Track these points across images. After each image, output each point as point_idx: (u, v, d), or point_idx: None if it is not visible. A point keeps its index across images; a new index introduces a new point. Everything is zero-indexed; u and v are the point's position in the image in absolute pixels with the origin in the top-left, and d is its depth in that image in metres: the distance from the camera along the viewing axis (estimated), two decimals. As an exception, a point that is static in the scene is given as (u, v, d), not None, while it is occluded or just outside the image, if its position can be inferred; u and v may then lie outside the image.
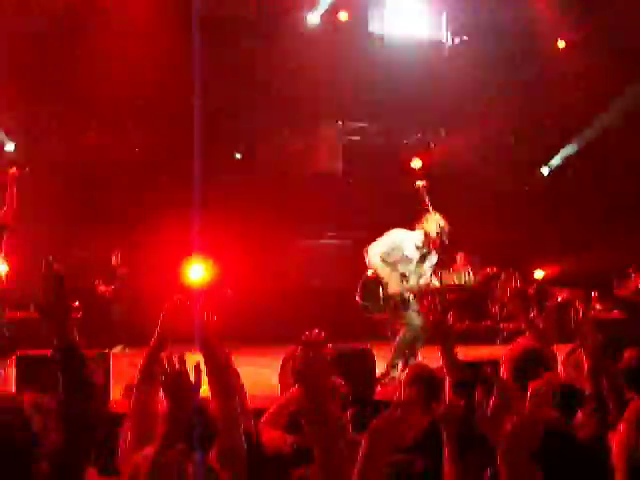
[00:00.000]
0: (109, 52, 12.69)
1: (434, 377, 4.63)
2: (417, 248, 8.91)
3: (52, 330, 2.94)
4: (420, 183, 9.77)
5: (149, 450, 2.77)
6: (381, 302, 8.84)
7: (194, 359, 2.88)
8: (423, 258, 9.02)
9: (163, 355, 2.90)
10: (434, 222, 8.87)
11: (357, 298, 8.99)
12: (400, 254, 8.90)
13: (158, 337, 3.68)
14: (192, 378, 2.79)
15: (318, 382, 2.66)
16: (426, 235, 8.86)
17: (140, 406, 3.47)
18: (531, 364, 4.53)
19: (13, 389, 6.73)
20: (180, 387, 2.77)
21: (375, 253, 8.81)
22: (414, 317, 8.65)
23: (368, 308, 9.02)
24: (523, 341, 5.08)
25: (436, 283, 9.18)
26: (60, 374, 2.98)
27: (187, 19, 11.65)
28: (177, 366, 2.79)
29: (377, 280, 8.83)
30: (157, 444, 2.74)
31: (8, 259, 10.25)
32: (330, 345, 2.97)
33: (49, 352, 3.20)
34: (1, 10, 12.50)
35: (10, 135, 13.85)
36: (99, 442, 3.31)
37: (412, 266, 8.91)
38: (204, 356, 3.61)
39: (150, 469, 2.68)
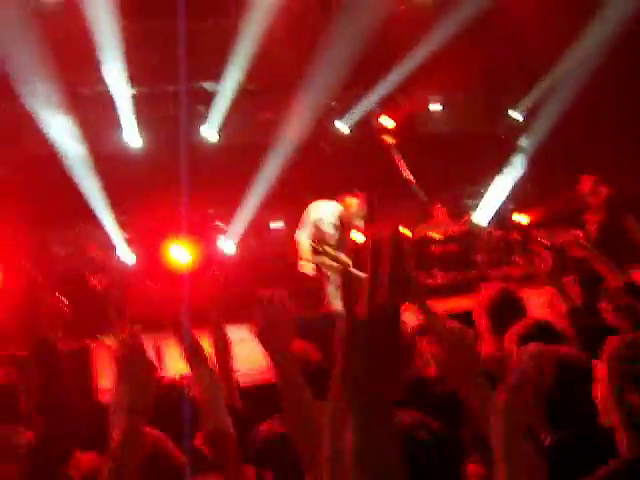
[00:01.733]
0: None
1: None
2: (335, 227, 9.34)
3: (25, 328, 2.94)
4: (389, 139, 9.90)
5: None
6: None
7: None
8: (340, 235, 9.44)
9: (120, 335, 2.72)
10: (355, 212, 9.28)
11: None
12: (320, 234, 9.35)
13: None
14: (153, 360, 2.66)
15: (281, 345, 2.61)
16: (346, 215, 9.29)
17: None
18: (506, 307, 4.59)
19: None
20: (139, 367, 2.59)
21: (304, 241, 9.26)
22: (335, 278, 9.53)
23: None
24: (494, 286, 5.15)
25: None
26: (37, 369, 2.99)
27: None
28: (135, 342, 2.62)
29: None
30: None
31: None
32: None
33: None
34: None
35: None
36: (91, 432, 3.31)
37: (332, 241, 9.36)
38: (178, 337, 3.62)
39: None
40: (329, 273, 9.66)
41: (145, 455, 2.58)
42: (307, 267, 9.61)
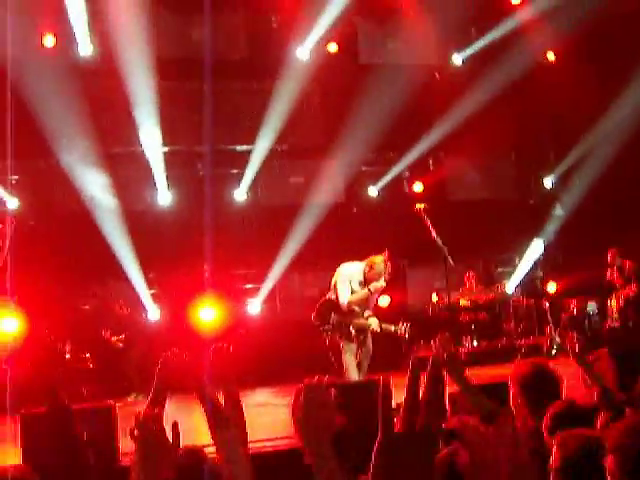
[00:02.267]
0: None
1: None
2: (360, 284, 9.40)
3: (43, 392, 2.91)
4: (420, 205, 9.91)
5: None
6: (330, 325, 9.47)
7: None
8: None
9: (137, 413, 2.69)
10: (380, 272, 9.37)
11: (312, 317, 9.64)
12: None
13: (155, 390, 3.60)
14: (170, 438, 2.66)
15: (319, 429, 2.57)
16: (371, 273, 9.34)
17: None
18: (540, 383, 4.48)
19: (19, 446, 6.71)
20: (155, 447, 2.61)
21: (344, 299, 9.32)
22: (352, 347, 9.40)
23: (319, 327, 9.60)
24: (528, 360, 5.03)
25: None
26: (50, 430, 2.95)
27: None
28: (152, 425, 2.63)
29: (331, 304, 9.48)
30: None
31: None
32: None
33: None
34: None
35: (11, 190, 13.87)
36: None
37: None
38: (202, 402, 3.56)
39: None
40: (347, 342, 9.60)
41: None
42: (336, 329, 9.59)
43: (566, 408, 4.07)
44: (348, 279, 9.59)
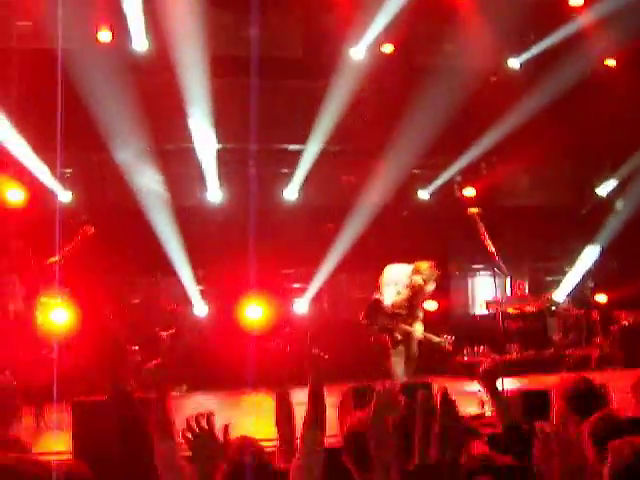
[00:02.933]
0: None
1: None
2: (406, 287, 9.39)
3: (106, 379, 2.96)
4: (474, 210, 9.81)
5: None
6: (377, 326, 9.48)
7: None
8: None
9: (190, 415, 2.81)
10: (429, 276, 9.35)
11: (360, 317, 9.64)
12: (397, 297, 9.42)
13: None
14: (220, 439, 2.73)
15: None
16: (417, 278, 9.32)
17: None
18: (586, 397, 4.39)
19: (70, 434, 6.75)
20: (206, 448, 2.70)
21: (389, 301, 9.29)
22: (399, 350, 9.38)
23: (368, 326, 9.60)
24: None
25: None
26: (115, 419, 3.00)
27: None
28: (204, 426, 2.71)
29: (378, 306, 9.48)
30: None
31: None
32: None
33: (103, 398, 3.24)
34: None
35: (64, 183, 14.02)
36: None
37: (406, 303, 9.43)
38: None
39: None
40: (394, 345, 9.56)
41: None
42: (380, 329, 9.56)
43: (604, 420, 3.98)
44: (394, 282, 9.56)
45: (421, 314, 9.76)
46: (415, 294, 9.53)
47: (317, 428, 3.55)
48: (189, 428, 2.74)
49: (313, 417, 3.60)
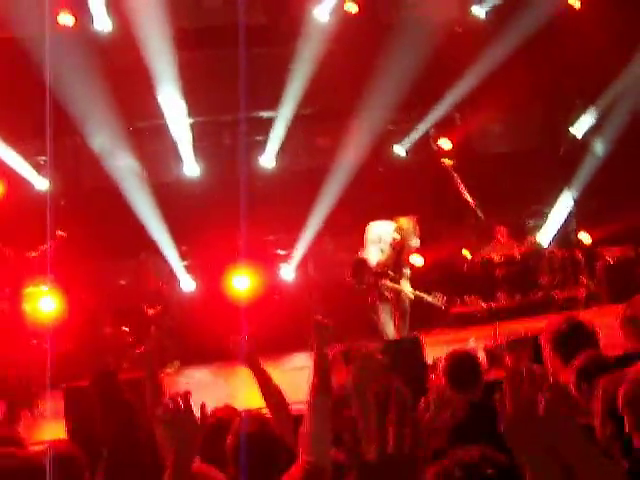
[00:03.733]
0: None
1: None
2: (389, 245, 9.45)
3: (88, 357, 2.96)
4: (447, 161, 9.85)
5: None
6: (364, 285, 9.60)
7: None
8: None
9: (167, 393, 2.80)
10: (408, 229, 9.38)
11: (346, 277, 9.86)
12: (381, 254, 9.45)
13: None
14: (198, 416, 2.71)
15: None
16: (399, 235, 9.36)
17: None
18: (572, 338, 4.43)
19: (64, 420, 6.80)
20: (183, 425, 2.66)
21: (374, 260, 9.31)
22: (388, 307, 9.54)
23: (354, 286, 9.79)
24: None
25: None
26: (98, 399, 3.00)
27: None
28: (181, 403, 2.68)
29: (363, 264, 9.60)
30: None
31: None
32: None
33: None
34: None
35: (40, 171, 13.95)
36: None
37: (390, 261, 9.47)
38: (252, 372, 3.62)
39: None
40: (382, 302, 9.61)
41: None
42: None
43: (592, 360, 4.03)
44: (377, 240, 9.58)
45: (408, 270, 9.81)
46: (399, 251, 9.57)
47: (325, 394, 3.55)
48: (165, 408, 2.68)
49: (320, 383, 3.59)
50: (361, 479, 1.42)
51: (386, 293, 9.53)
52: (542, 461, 2.05)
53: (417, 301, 9.78)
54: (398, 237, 9.50)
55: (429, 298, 9.47)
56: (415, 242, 9.75)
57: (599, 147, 15.18)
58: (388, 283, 9.43)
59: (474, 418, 4.63)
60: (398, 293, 9.52)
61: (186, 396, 2.70)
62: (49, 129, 13.14)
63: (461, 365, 5.01)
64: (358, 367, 2.64)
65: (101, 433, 3.10)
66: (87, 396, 6.48)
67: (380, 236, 9.61)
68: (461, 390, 4.87)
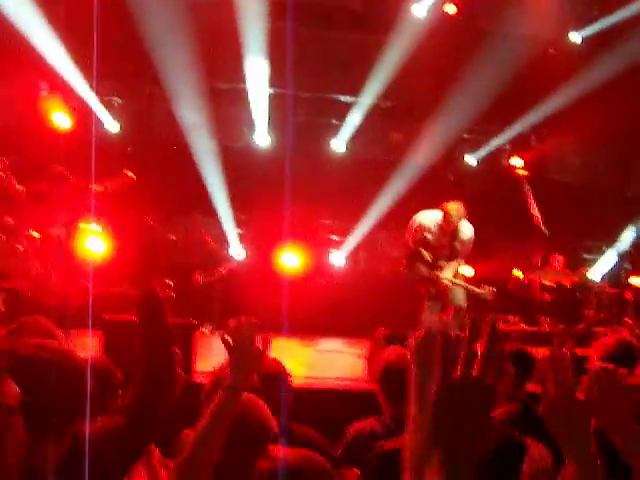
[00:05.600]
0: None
1: None
2: (436, 233, 9.27)
3: (136, 277, 2.98)
4: (522, 172, 9.75)
5: None
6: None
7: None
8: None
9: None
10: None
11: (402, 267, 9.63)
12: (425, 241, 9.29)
13: None
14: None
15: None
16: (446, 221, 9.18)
17: None
18: (622, 356, 4.41)
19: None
20: (246, 353, 2.77)
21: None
22: (433, 305, 9.38)
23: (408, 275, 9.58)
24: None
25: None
26: (140, 321, 3.01)
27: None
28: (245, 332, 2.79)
29: (417, 255, 9.39)
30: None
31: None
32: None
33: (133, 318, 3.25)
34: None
35: (114, 114, 14.04)
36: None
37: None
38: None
39: None
40: (428, 299, 9.49)
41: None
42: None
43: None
44: (427, 229, 9.42)
45: (461, 262, 9.67)
46: (451, 238, 9.42)
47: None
48: (231, 333, 2.79)
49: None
50: (441, 398, 1.48)
51: (432, 289, 9.39)
52: (582, 448, 2.03)
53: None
54: (448, 223, 9.34)
55: (477, 290, 9.31)
56: (467, 226, 9.55)
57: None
58: (441, 275, 9.29)
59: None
60: (449, 288, 9.37)
61: (252, 325, 2.82)
62: (129, 72, 13.28)
63: None
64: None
65: (139, 360, 3.09)
66: (126, 330, 6.50)
67: (428, 225, 9.45)
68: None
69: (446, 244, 9.43)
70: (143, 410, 2.93)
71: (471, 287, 9.41)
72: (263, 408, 3.18)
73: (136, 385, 3.09)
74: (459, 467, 1.47)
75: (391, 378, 4.44)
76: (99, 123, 13.72)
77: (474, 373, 1.51)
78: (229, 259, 13.17)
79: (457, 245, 9.50)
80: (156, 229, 12.61)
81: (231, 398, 2.69)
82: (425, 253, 9.35)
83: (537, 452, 3.48)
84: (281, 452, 3.19)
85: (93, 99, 13.46)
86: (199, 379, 6.56)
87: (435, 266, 9.39)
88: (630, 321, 13.27)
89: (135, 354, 3.13)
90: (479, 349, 1.54)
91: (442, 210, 9.40)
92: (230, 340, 2.81)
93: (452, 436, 1.47)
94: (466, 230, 9.50)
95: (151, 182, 13.03)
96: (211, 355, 7.70)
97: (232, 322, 2.84)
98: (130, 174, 10.72)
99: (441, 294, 9.32)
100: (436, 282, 9.29)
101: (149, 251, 12.00)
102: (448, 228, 9.37)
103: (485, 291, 9.26)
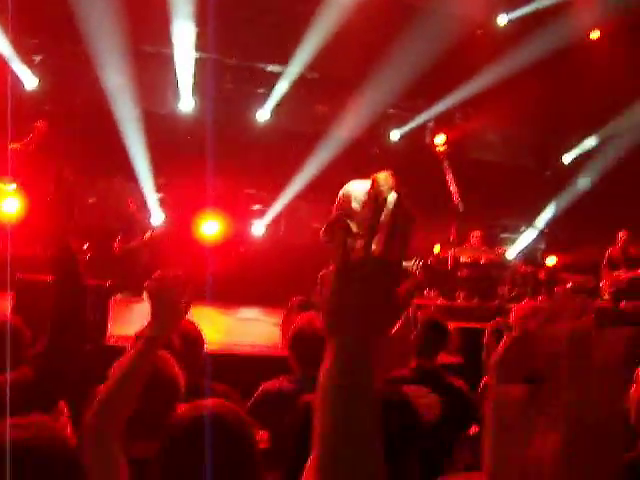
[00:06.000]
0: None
1: None
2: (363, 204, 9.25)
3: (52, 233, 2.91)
4: (442, 148, 9.82)
5: None
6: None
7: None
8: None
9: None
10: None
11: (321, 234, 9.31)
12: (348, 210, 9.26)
13: None
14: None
15: None
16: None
17: None
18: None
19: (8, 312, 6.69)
20: (168, 305, 2.71)
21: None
22: None
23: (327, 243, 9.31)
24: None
25: None
26: (54, 275, 2.95)
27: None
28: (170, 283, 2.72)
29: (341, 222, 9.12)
30: None
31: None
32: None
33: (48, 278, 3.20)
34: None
35: (33, 70, 13.69)
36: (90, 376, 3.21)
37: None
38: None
39: None
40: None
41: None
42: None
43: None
44: (353, 198, 9.49)
45: None
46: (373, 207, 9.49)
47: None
48: (155, 282, 2.73)
49: None
50: (339, 277, 1.37)
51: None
52: None
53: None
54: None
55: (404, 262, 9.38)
56: (392, 196, 9.62)
57: (583, 181, 15.37)
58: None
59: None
60: None
61: (177, 279, 2.73)
62: (51, 30, 12.92)
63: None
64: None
65: (49, 316, 3.04)
66: (38, 289, 6.38)
67: (356, 195, 9.49)
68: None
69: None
70: (51, 364, 2.88)
71: None
72: (174, 366, 3.15)
73: (45, 339, 3.03)
74: (354, 355, 1.34)
75: (302, 343, 4.46)
76: (17, 80, 13.34)
77: (376, 252, 1.36)
78: (149, 225, 13.02)
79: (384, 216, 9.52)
80: (75, 185, 12.31)
81: (150, 347, 2.63)
82: (351, 224, 9.35)
83: (425, 401, 3.54)
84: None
85: (11, 54, 13.09)
86: (112, 342, 6.49)
87: (360, 236, 9.39)
88: (543, 299, 13.57)
89: (46, 313, 3.07)
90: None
91: (372, 181, 9.42)
92: (154, 289, 2.74)
93: (349, 321, 1.33)
94: (391, 198, 9.54)
95: (70, 144, 12.77)
96: (126, 322, 7.61)
97: (158, 273, 2.76)
98: (42, 123, 10.44)
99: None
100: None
101: (66, 206, 11.73)
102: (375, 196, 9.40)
103: (413, 262, 9.34)
